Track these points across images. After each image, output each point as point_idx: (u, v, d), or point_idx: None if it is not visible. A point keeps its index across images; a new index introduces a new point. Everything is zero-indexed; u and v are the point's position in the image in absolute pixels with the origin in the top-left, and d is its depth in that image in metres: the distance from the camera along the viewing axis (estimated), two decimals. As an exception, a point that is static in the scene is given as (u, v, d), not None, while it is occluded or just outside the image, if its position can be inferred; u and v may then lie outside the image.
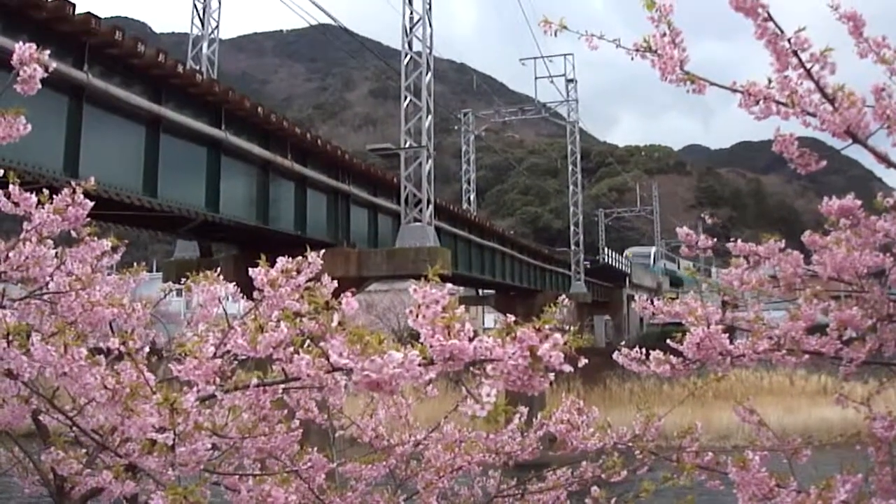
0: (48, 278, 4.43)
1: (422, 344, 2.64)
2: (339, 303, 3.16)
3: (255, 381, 3.25)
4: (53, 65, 4.27)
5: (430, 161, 24.40)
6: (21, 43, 4.16)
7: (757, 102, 4.29)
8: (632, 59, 4.38)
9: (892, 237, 5.17)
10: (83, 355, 3.24)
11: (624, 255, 79.70)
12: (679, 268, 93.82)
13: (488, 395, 2.67)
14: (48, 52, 4.21)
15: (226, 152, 19.29)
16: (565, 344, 2.58)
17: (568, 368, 2.63)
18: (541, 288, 47.86)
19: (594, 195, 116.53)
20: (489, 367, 2.63)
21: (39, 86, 4.14)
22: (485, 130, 62.75)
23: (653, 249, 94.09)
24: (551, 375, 2.65)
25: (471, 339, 2.62)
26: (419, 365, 2.60)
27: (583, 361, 2.71)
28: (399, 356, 2.58)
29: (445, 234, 29.48)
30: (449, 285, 2.70)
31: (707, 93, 4.42)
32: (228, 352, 3.40)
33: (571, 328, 2.86)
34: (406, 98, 24.96)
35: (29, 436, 5.21)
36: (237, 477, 4.58)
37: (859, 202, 5.32)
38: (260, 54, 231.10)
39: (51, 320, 4.44)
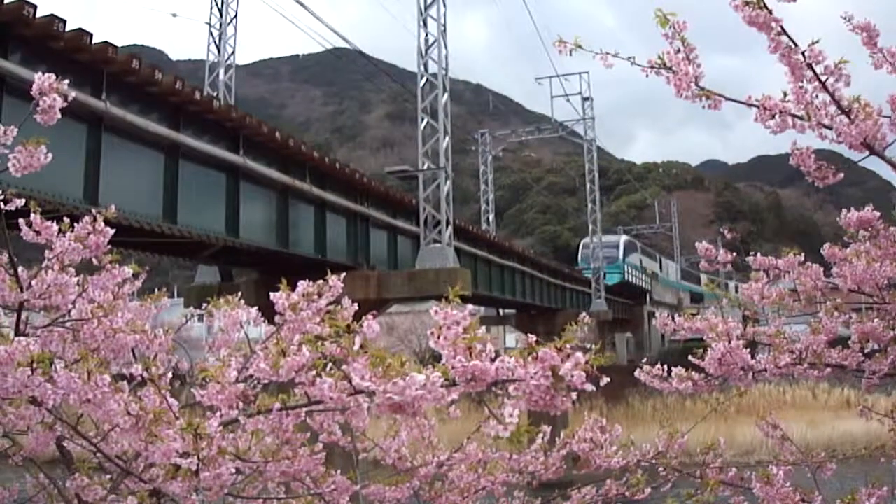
0: (70, 306, 4.45)
1: (443, 365, 2.64)
2: (361, 326, 3.17)
3: (278, 405, 3.26)
4: (72, 94, 4.31)
5: (448, 182, 24.42)
6: (40, 73, 4.21)
7: (773, 116, 4.29)
8: (647, 76, 4.39)
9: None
10: (107, 382, 3.26)
11: (580, 246, 68.79)
12: (661, 268, 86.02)
13: (511, 415, 2.67)
14: (66, 81, 4.25)
15: (245, 177, 19.35)
16: (587, 363, 2.58)
17: (590, 387, 2.63)
18: (561, 306, 47.74)
19: (613, 213, 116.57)
20: (511, 388, 2.63)
21: (59, 115, 4.18)
22: (502, 150, 62.82)
23: (622, 238, 73.75)
24: (573, 395, 2.65)
25: (492, 360, 2.63)
26: (441, 386, 2.61)
27: (605, 380, 2.71)
28: (421, 378, 2.59)
29: (465, 254, 29.45)
30: (470, 306, 2.70)
31: (723, 107, 4.42)
32: (251, 376, 3.42)
33: (593, 346, 2.86)
34: (423, 120, 25.00)
35: (53, 462, 5.22)
36: (261, 501, 4.59)
37: (878, 213, 5.32)
38: (276, 79, 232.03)
39: (73, 347, 4.46)
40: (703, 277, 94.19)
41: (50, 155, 4.27)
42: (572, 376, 2.55)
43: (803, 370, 4.96)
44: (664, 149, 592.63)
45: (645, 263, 78.93)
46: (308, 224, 22.20)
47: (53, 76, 4.17)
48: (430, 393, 2.59)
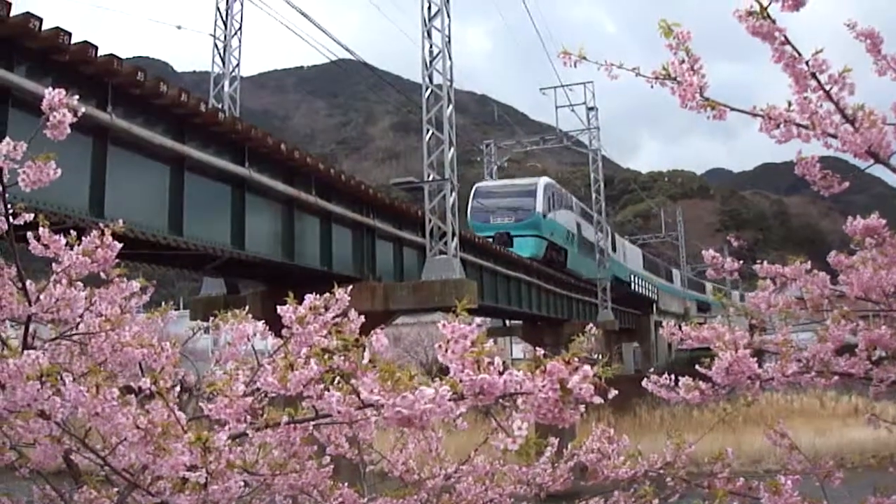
0: (78, 319, 4.47)
1: (452, 379, 2.64)
2: (369, 338, 3.18)
3: (285, 418, 3.27)
4: (82, 109, 4.32)
5: (453, 193, 24.43)
6: (49, 87, 4.22)
7: (778, 126, 4.29)
8: (651, 86, 4.40)
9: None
10: (115, 396, 3.27)
11: (472, 193, 47.57)
12: (614, 247, 59.31)
13: (520, 428, 2.68)
14: (72, 94, 4.27)
15: (250, 189, 19.37)
16: (595, 375, 2.58)
17: (598, 400, 2.63)
18: (568, 317, 47.63)
19: (619, 222, 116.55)
20: (520, 401, 2.63)
21: (69, 131, 4.20)
22: (507, 161, 62.63)
23: (541, 182, 48.72)
24: (581, 407, 2.65)
25: (501, 373, 2.63)
26: (450, 400, 2.61)
27: (613, 393, 2.71)
28: (430, 392, 2.59)
29: (471, 265, 29.42)
30: (477, 319, 2.71)
31: (728, 117, 4.42)
32: (258, 389, 3.42)
33: (600, 357, 2.86)
34: (428, 131, 25.00)
35: (59, 474, 5.23)
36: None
37: (884, 221, 5.31)
38: (281, 91, 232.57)
39: (81, 360, 4.47)
40: (708, 286, 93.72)
41: (59, 170, 4.29)
42: (580, 389, 2.56)
43: (811, 378, 4.96)
44: (669, 157, 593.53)
45: (587, 233, 53.95)
46: (314, 236, 22.21)
47: (63, 91, 4.18)
48: (438, 407, 2.60)
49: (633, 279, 65.89)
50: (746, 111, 4.41)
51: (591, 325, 5.73)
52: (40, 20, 13.16)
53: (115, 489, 4.38)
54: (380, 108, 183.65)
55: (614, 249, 60.63)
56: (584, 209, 56.51)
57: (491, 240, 37.83)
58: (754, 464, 31.20)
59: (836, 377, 5.02)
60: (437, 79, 25.28)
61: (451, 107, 25.02)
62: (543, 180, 49.24)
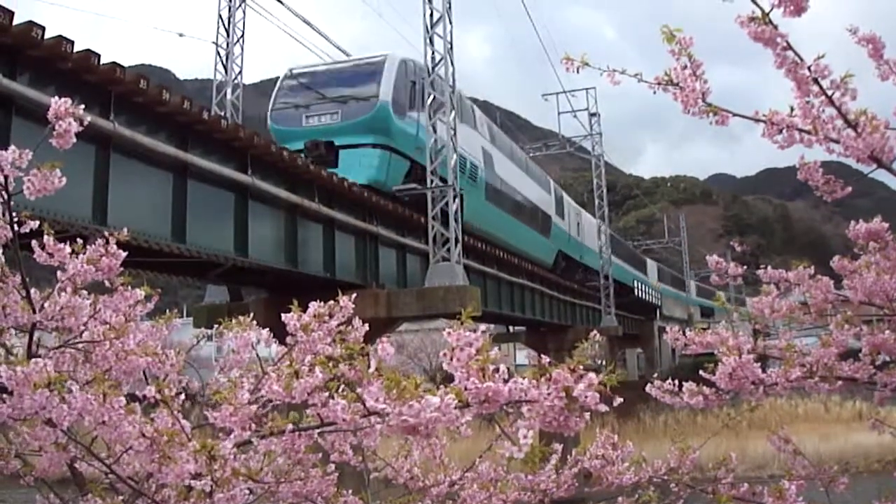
0: (82, 327, 4.48)
1: (457, 387, 2.65)
2: (373, 346, 3.19)
3: (290, 426, 3.27)
4: (88, 118, 4.34)
5: (456, 200, 24.40)
6: (52, 96, 4.24)
7: (780, 131, 4.29)
8: (654, 92, 4.40)
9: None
10: (122, 404, 3.28)
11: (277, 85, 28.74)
12: (561, 212, 46.75)
13: (525, 436, 2.68)
14: (76, 102, 4.28)
15: (253, 197, 19.37)
16: (600, 383, 2.59)
17: (604, 408, 2.64)
18: (571, 323, 47.58)
19: (622, 228, 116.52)
20: (525, 409, 2.63)
21: (74, 139, 4.21)
22: (510, 167, 62.36)
23: (391, 60, 27.80)
24: (587, 415, 2.65)
25: (505, 381, 2.63)
26: (455, 408, 2.61)
27: (618, 400, 2.71)
28: (436, 400, 2.59)
29: (474, 272, 29.37)
30: (482, 326, 2.71)
31: (730, 122, 4.43)
32: (262, 396, 3.43)
33: (605, 364, 2.86)
34: (431, 138, 24.97)
35: (63, 482, 5.24)
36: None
37: (886, 225, 5.31)
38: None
39: (85, 368, 4.48)
40: (692, 284, 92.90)
41: (64, 179, 4.30)
42: (586, 397, 2.56)
43: (814, 383, 4.95)
44: (672, 163, 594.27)
45: (508, 176, 36.98)
46: (317, 243, 22.21)
47: (69, 100, 4.20)
48: (444, 415, 2.60)
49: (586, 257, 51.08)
50: (749, 116, 4.42)
51: (594, 331, 5.74)
52: (43, 29, 13.20)
53: (120, 497, 4.38)
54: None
55: (562, 215, 47.16)
56: (502, 138, 38.94)
57: (304, 155, 23.00)
58: (758, 469, 31.08)
59: (839, 382, 5.01)
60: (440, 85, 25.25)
61: (453, 113, 25.00)
62: (398, 55, 28.22)
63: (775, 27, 4.17)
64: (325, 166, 23.00)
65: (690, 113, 4.32)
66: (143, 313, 5.08)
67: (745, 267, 6.35)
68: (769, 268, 5.93)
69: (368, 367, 2.87)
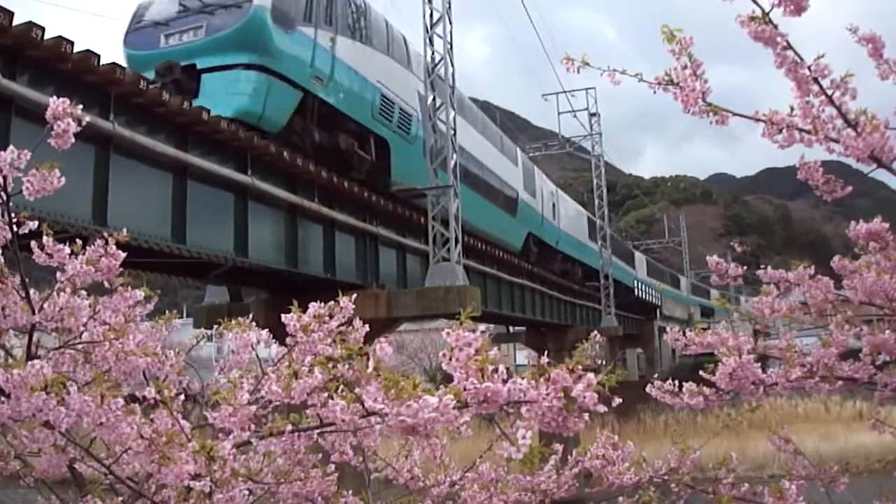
0: (82, 328, 4.47)
1: (456, 387, 2.64)
2: (373, 347, 3.18)
3: (290, 426, 3.27)
4: (87, 119, 4.33)
5: (457, 200, 24.38)
6: (52, 96, 4.23)
7: (780, 131, 4.29)
8: (654, 92, 4.40)
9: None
10: (120, 405, 3.27)
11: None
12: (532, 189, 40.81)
13: (524, 437, 2.67)
14: (74, 102, 4.28)
15: (253, 197, 19.34)
16: (599, 383, 2.58)
17: (603, 409, 2.63)
18: (571, 323, 47.58)
19: (622, 228, 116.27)
20: (524, 409, 2.63)
21: (73, 140, 4.21)
22: (510, 167, 62.25)
23: None
24: (586, 415, 2.65)
25: (505, 381, 2.63)
26: (454, 408, 2.61)
27: (617, 401, 2.71)
28: (434, 401, 2.59)
29: (474, 272, 29.35)
30: (482, 326, 2.70)
31: (730, 122, 4.43)
32: (262, 397, 3.42)
33: (604, 364, 2.86)
34: (431, 138, 24.95)
35: (63, 483, 5.24)
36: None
37: (887, 225, 5.31)
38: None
39: (85, 369, 4.48)
40: (683, 281, 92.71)
41: (63, 179, 4.30)
42: (585, 397, 2.55)
43: (815, 384, 4.95)
44: (672, 163, 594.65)
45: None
46: (317, 243, 22.20)
47: (67, 100, 4.19)
48: (442, 415, 2.60)
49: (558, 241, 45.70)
50: (749, 116, 4.41)
51: (594, 332, 5.73)
52: (43, 29, 13.20)
53: (120, 498, 4.38)
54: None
55: (532, 193, 41.33)
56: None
57: (155, 83, 17.61)
58: (759, 469, 31.05)
59: (840, 382, 5.01)
60: (440, 85, 25.23)
61: (453, 113, 25.00)
62: None
63: (775, 27, 4.17)
64: (185, 96, 17.75)
65: (690, 113, 4.32)
66: (143, 314, 5.07)
67: (745, 267, 6.34)
68: (769, 268, 5.92)
69: (367, 367, 2.87)
